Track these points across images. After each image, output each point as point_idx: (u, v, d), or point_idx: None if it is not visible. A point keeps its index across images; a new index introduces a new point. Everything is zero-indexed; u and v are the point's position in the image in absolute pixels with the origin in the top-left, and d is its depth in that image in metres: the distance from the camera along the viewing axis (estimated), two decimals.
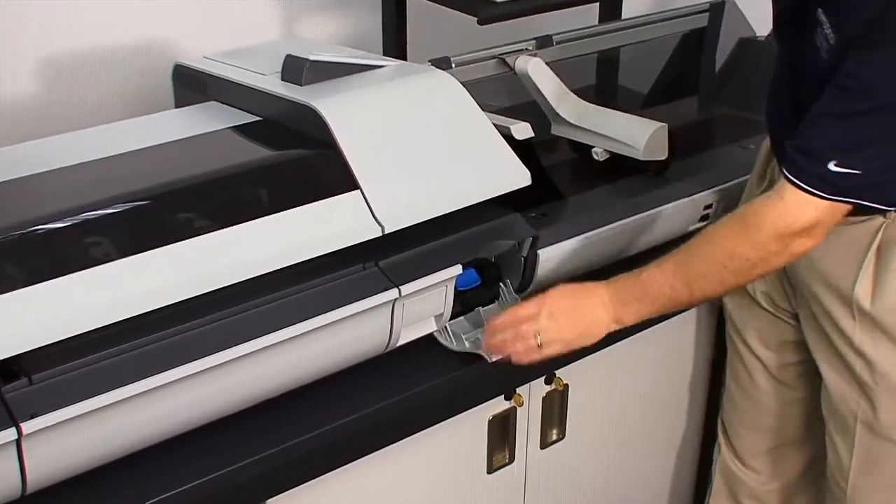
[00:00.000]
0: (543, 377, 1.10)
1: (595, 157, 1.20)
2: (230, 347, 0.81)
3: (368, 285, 0.89)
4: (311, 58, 0.98)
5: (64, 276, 0.76)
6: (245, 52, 1.13)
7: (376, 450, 0.95)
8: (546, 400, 1.12)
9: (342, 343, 0.90)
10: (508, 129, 1.07)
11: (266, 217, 0.86)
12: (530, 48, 1.25)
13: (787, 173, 0.87)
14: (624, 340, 1.14)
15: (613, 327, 0.97)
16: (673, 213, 1.17)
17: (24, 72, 1.27)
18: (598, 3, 1.52)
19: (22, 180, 0.87)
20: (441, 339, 1.01)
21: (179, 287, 0.80)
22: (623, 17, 1.52)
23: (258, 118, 1.01)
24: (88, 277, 0.77)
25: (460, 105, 0.99)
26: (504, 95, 1.30)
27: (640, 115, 1.20)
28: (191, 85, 1.10)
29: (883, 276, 0.96)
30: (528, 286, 1.05)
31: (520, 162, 1.00)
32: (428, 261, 0.93)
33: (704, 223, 1.20)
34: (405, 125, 0.96)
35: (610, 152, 1.19)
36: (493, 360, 0.98)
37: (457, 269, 0.95)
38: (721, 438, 1.26)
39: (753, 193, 1.10)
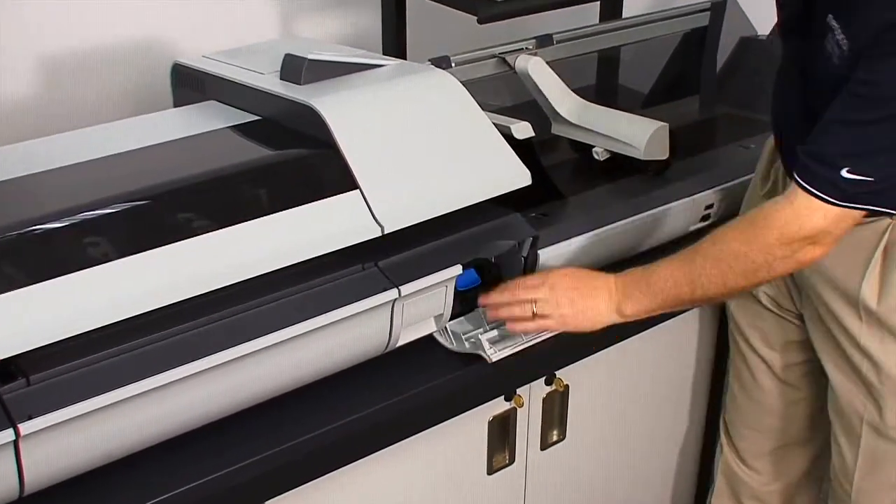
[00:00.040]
0: (544, 378, 1.09)
1: (595, 156, 1.20)
2: (229, 348, 0.81)
3: (368, 285, 0.89)
4: (310, 57, 0.98)
5: (62, 277, 0.76)
6: (244, 51, 1.12)
7: (376, 451, 0.94)
8: (546, 401, 1.11)
9: (342, 344, 0.90)
10: (508, 128, 1.07)
11: (265, 217, 0.86)
12: (530, 47, 1.25)
13: (798, 179, 0.87)
14: (624, 341, 1.14)
15: (615, 318, 0.97)
16: (674, 213, 1.16)
17: (24, 71, 1.27)
18: (598, 2, 1.52)
19: (20, 180, 0.87)
20: (441, 340, 1.01)
21: (178, 287, 0.80)
22: (624, 15, 1.52)
23: (257, 117, 1.01)
24: (87, 277, 0.77)
25: (460, 104, 0.99)
26: (504, 95, 1.30)
27: (641, 115, 1.20)
28: (189, 84, 1.09)
29: (890, 276, 0.96)
30: None
31: (520, 161, 1.00)
32: (428, 261, 0.93)
33: (705, 223, 1.20)
34: (405, 125, 0.96)
35: (610, 152, 1.19)
36: (494, 360, 0.98)
37: (457, 270, 0.95)
38: (723, 438, 1.26)
39: (757, 194, 1.10)
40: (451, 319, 1.00)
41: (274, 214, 0.86)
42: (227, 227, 0.84)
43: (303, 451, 0.88)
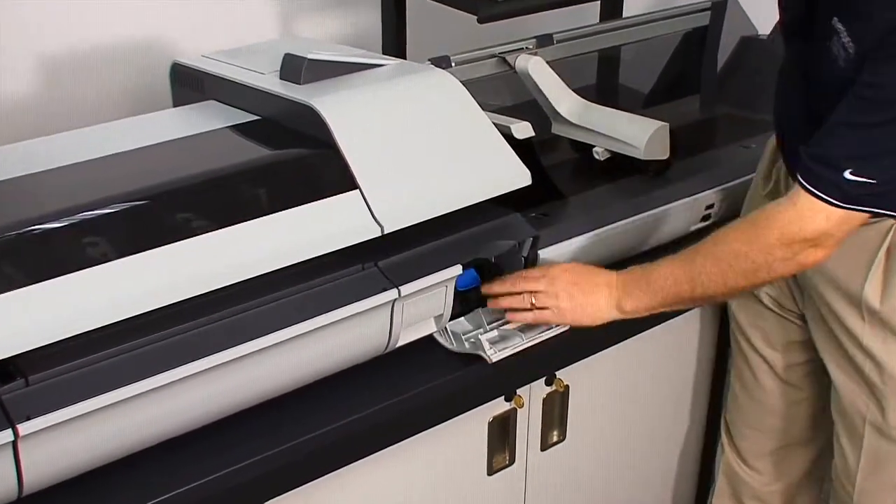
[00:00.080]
0: (544, 378, 1.09)
1: (596, 156, 1.20)
2: (228, 348, 0.81)
3: (368, 286, 0.89)
4: (310, 56, 0.98)
5: (61, 277, 0.75)
6: (243, 50, 1.12)
7: (376, 451, 0.94)
8: (546, 401, 1.11)
9: (341, 344, 0.90)
10: (509, 128, 1.07)
11: (264, 217, 0.85)
12: (531, 47, 1.25)
13: (802, 180, 0.87)
14: (625, 341, 1.14)
15: (614, 314, 0.98)
16: (674, 213, 1.16)
17: (24, 70, 1.27)
18: (598, 2, 1.52)
19: (19, 180, 0.87)
20: (441, 340, 1.00)
21: (177, 287, 0.79)
22: (624, 15, 1.52)
23: (256, 117, 1.01)
24: (86, 278, 0.76)
25: (460, 104, 0.99)
26: (504, 94, 1.29)
27: (642, 115, 1.20)
28: (189, 84, 1.09)
29: (893, 276, 0.96)
30: None
31: (520, 161, 1.00)
32: (428, 261, 0.93)
33: (706, 223, 1.20)
34: (405, 124, 0.95)
35: (611, 152, 1.19)
36: (494, 360, 0.98)
37: (457, 270, 0.95)
38: (724, 438, 1.26)
39: (759, 194, 1.10)
40: (451, 320, 1.00)
41: (273, 214, 0.86)
42: (226, 227, 0.83)
43: (303, 451, 0.88)
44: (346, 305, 0.87)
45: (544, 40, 1.26)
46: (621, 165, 1.18)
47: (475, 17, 1.18)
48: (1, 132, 1.19)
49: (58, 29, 1.28)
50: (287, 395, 0.90)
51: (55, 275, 0.75)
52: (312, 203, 0.88)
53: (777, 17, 1.03)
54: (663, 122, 1.16)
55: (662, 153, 1.17)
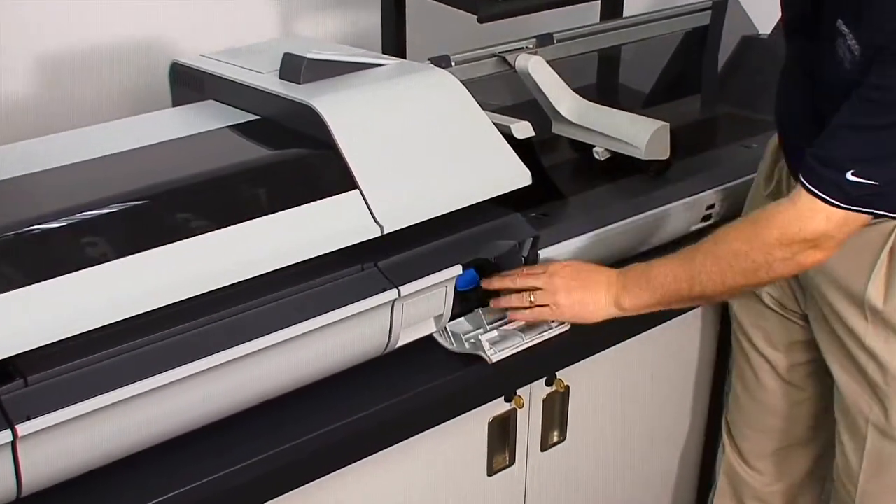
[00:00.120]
0: (544, 378, 1.09)
1: (596, 156, 1.19)
2: (227, 349, 0.81)
3: (367, 286, 0.89)
4: (310, 56, 0.98)
5: (60, 277, 0.75)
6: (242, 50, 1.12)
7: (376, 452, 0.94)
8: (547, 401, 1.11)
9: (341, 344, 0.90)
10: (509, 128, 1.06)
11: (264, 217, 0.85)
12: (531, 46, 1.24)
13: (803, 180, 0.87)
14: (625, 341, 1.13)
15: (613, 311, 0.98)
16: (675, 213, 1.16)
17: (24, 70, 1.27)
18: (598, 2, 1.51)
19: (18, 179, 0.87)
20: (441, 341, 1.00)
21: (176, 287, 0.79)
22: (624, 14, 1.52)
23: (256, 117, 1.01)
24: (85, 278, 0.76)
25: (460, 104, 0.99)
26: (504, 94, 1.29)
27: (642, 114, 1.19)
28: (188, 83, 1.09)
29: None
30: None
31: (520, 161, 0.99)
32: (427, 261, 0.93)
33: (706, 223, 1.20)
34: (404, 124, 0.95)
35: (611, 151, 1.19)
36: (494, 361, 0.98)
37: (457, 270, 0.95)
38: (725, 439, 1.25)
39: (760, 194, 1.10)
40: (450, 320, 1.00)
41: (273, 214, 0.86)
42: (226, 227, 0.83)
43: (302, 451, 0.87)
44: (345, 306, 0.87)
45: (544, 40, 1.26)
46: (622, 165, 1.18)
47: (475, 17, 1.18)
48: (1, 132, 1.19)
49: (58, 29, 1.28)
50: (287, 395, 0.90)
51: (54, 275, 0.75)
52: (312, 203, 0.87)
53: (778, 17, 1.03)
54: (664, 122, 1.16)
55: (663, 153, 1.17)
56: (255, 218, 0.85)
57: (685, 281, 0.94)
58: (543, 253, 1.04)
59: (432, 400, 0.96)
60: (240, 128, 0.99)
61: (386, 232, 0.89)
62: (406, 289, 0.90)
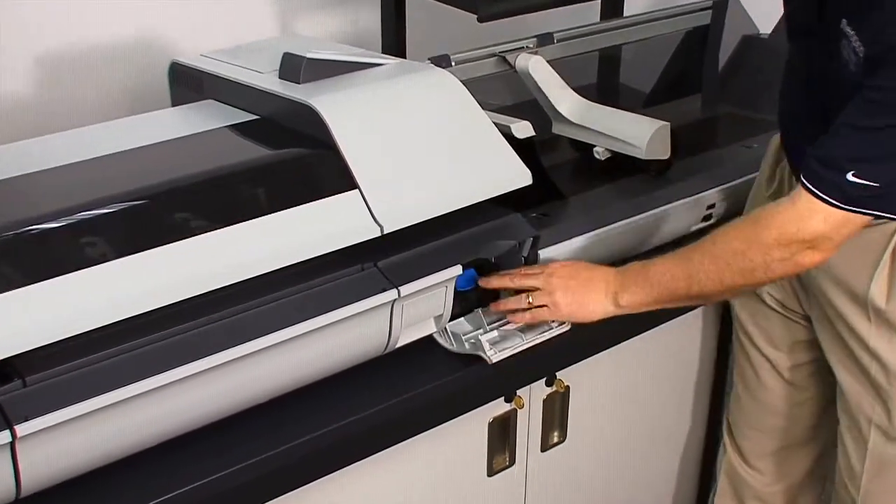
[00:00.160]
0: (544, 379, 1.09)
1: (596, 156, 1.19)
2: (227, 349, 0.81)
3: (367, 286, 0.88)
4: (309, 55, 0.97)
5: (59, 277, 0.75)
6: (242, 49, 1.12)
7: (375, 452, 0.94)
8: (547, 402, 1.11)
9: (340, 345, 0.89)
10: (509, 127, 1.06)
11: (263, 217, 0.85)
12: (531, 46, 1.24)
13: (804, 180, 0.87)
14: (626, 341, 1.13)
15: (610, 309, 0.98)
16: (675, 213, 1.16)
17: (25, 69, 1.27)
18: (599, 1, 1.51)
19: (17, 179, 0.87)
20: (441, 341, 1.00)
21: (176, 288, 0.79)
22: (625, 14, 1.51)
23: (255, 117, 1.00)
24: (84, 278, 0.76)
25: (460, 103, 0.99)
26: (504, 94, 1.29)
27: (643, 114, 1.19)
28: (187, 83, 1.09)
29: None
30: None
31: (520, 161, 0.99)
32: (427, 261, 0.93)
33: (707, 223, 1.19)
34: (404, 124, 0.95)
35: (612, 151, 1.18)
36: (494, 361, 0.98)
37: (457, 270, 0.94)
38: (726, 438, 1.25)
39: (762, 194, 1.10)
40: (450, 320, 1.00)
41: (272, 214, 0.86)
42: (225, 226, 0.83)
43: (302, 452, 0.87)
44: (345, 306, 0.86)
45: (545, 39, 1.26)
46: (622, 165, 1.18)
47: (475, 16, 1.18)
48: (1, 131, 1.19)
49: (58, 28, 1.28)
50: (287, 395, 0.89)
51: (53, 275, 0.75)
52: (312, 203, 0.87)
53: (779, 17, 1.03)
54: (664, 122, 1.16)
55: (663, 153, 1.17)
56: (254, 218, 0.85)
57: (683, 280, 0.94)
58: (544, 253, 1.03)
59: (432, 400, 0.96)
60: (239, 127, 0.99)
61: (386, 232, 0.89)
62: (406, 289, 0.90)
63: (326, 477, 0.91)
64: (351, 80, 0.98)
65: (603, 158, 1.19)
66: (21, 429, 0.72)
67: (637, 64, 1.50)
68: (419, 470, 1.02)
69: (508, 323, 1.02)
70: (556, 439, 1.14)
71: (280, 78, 0.99)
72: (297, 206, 0.87)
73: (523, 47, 1.23)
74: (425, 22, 1.36)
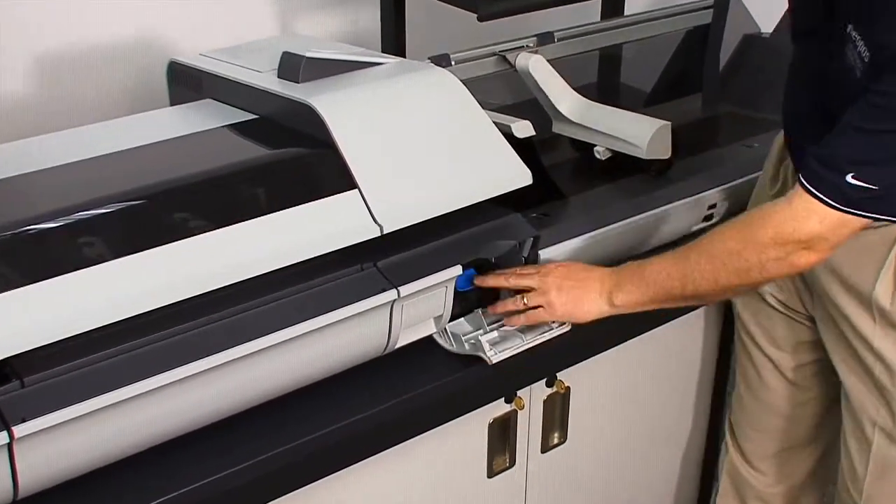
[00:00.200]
0: (544, 380, 1.08)
1: (597, 155, 1.19)
2: (225, 349, 0.80)
3: (366, 286, 0.88)
4: (308, 55, 0.97)
5: (57, 277, 0.75)
6: (241, 48, 1.11)
7: (375, 453, 0.94)
8: (547, 403, 1.10)
9: (340, 345, 0.89)
10: (509, 127, 1.06)
11: (262, 217, 0.85)
12: (531, 45, 1.24)
13: (803, 180, 0.87)
14: (627, 342, 1.13)
15: (605, 308, 0.98)
16: (676, 213, 1.15)
17: (24, 69, 1.27)
18: (599, 0, 1.51)
19: (15, 179, 0.86)
20: (441, 341, 1.00)
21: (174, 288, 0.79)
22: (625, 13, 1.51)
23: (254, 116, 1.00)
24: (82, 278, 0.76)
25: (460, 103, 0.98)
26: (504, 93, 1.29)
27: (643, 114, 1.19)
28: (185, 82, 1.09)
29: None
30: None
31: (520, 161, 0.99)
32: (427, 261, 0.92)
33: (708, 223, 1.19)
34: (404, 123, 0.95)
35: (612, 151, 1.18)
36: (494, 362, 0.97)
37: (456, 270, 0.94)
38: (728, 439, 1.25)
39: (766, 194, 1.09)
40: (450, 321, 0.99)
41: (272, 214, 0.85)
42: (224, 226, 0.83)
43: (302, 452, 0.87)
44: (344, 306, 0.86)
45: (545, 38, 1.26)
46: (623, 165, 1.18)
47: (475, 15, 1.18)
48: (1, 130, 1.19)
49: (58, 28, 1.27)
50: (286, 396, 0.89)
51: (51, 275, 0.75)
52: (311, 203, 0.87)
53: (780, 16, 1.02)
54: (665, 121, 1.15)
55: (664, 152, 1.16)
56: (253, 218, 0.84)
57: (678, 279, 0.93)
58: (544, 253, 1.03)
59: (432, 401, 0.95)
60: (238, 127, 0.99)
61: (385, 232, 0.88)
62: (405, 289, 0.89)
63: (326, 478, 0.91)
64: (350, 80, 0.98)
65: (603, 158, 1.19)
66: (19, 430, 0.71)
67: (638, 63, 1.49)
68: (419, 471, 1.02)
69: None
70: (556, 440, 1.14)
71: (279, 77, 0.99)
72: (297, 206, 0.86)
73: (523, 46, 1.23)
74: (425, 21, 1.36)
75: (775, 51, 1.21)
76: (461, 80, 1.00)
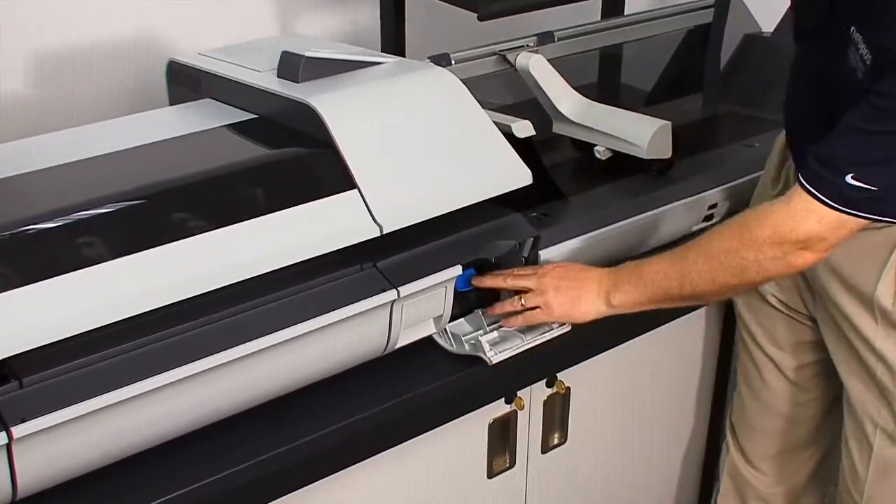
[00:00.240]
0: (545, 380, 1.08)
1: (597, 155, 1.19)
2: (225, 350, 0.80)
3: (366, 286, 0.88)
4: (308, 54, 0.97)
5: (56, 277, 0.75)
6: (240, 48, 1.11)
7: (375, 453, 0.93)
8: (547, 403, 1.10)
9: (339, 345, 0.89)
10: (509, 127, 1.06)
11: (262, 217, 0.85)
12: (531, 44, 1.24)
13: (802, 179, 0.87)
14: (627, 342, 1.13)
15: (603, 309, 0.98)
16: (677, 213, 1.15)
17: (24, 69, 1.27)
18: (600, 0, 1.51)
19: (14, 178, 0.86)
20: (441, 342, 1.00)
21: (174, 288, 0.79)
22: (626, 12, 1.51)
23: (253, 116, 1.00)
24: (82, 278, 0.76)
25: (460, 102, 0.98)
26: (505, 93, 1.29)
27: (644, 113, 1.19)
28: (185, 82, 1.08)
29: None
30: None
31: (521, 161, 0.99)
32: (427, 261, 0.92)
33: (708, 223, 1.19)
34: (404, 123, 0.95)
35: (613, 151, 1.18)
36: (494, 362, 0.97)
37: (456, 270, 0.94)
38: (729, 439, 1.25)
39: (768, 193, 1.09)
40: (450, 321, 0.99)
41: (271, 214, 0.85)
42: (223, 226, 0.83)
43: (301, 453, 0.87)
44: (344, 306, 0.86)
45: (545, 38, 1.25)
46: (623, 165, 1.18)
47: (475, 15, 1.17)
48: (1, 130, 1.19)
49: (57, 28, 1.28)
50: (286, 396, 0.89)
51: (50, 275, 0.75)
52: (311, 203, 0.87)
53: (781, 15, 1.02)
54: (666, 121, 1.15)
55: (665, 152, 1.16)
56: (253, 218, 0.84)
57: (676, 279, 0.93)
58: (544, 253, 1.03)
59: (432, 401, 0.95)
60: (237, 127, 0.99)
61: (385, 232, 0.88)
62: (405, 289, 0.89)
63: (326, 478, 0.91)
64: (350, 79, 0.97)
65: (604, 158, 1.18)
66: (17, 430, 0.71)
67: (638, 63, 1.49)
68: (419, 471, 1.02)
69: None
70: (556, 441, 1.14)
71: (278, 77, 0.98)
72: (296, 206, 0.86)
73: (524, 46, 1.23)
74: (425, 21, 1.36)
75: (776, 50, 1.21)
76: (461, 80, 1.00)
